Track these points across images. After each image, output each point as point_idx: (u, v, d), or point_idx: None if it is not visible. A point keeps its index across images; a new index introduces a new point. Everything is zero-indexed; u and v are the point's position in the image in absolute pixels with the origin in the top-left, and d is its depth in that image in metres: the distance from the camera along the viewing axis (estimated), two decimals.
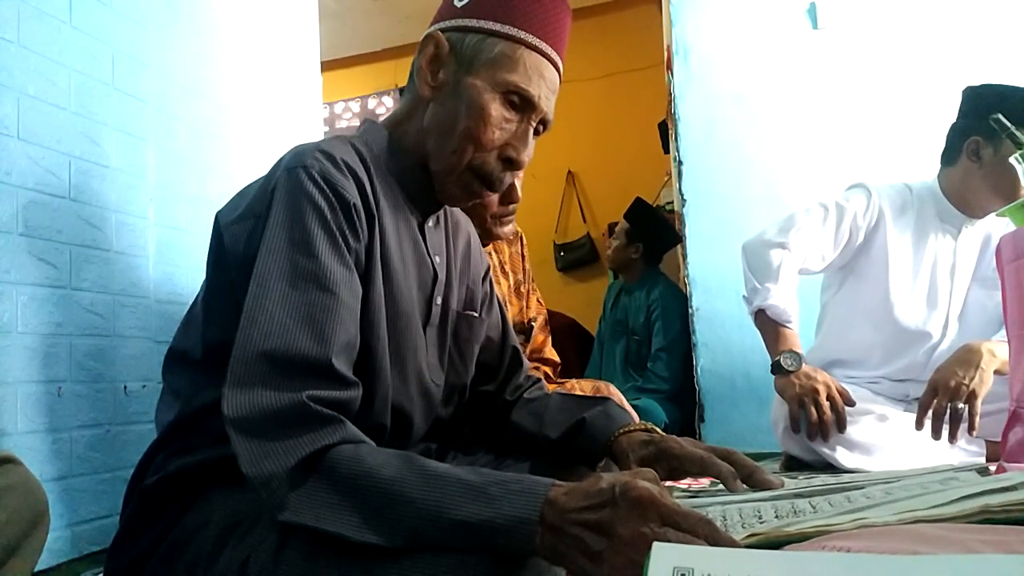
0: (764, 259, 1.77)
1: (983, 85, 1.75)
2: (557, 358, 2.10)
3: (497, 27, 0.89)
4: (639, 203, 3.28)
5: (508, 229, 1.66)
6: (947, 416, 1.54)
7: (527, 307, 2.02)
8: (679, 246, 2.64)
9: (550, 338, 2.11)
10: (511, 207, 1.61)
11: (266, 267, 0.77)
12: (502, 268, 1.93)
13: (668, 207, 3.87)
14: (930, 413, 1.56)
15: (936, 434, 1.55)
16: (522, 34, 0.89)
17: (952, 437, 1.55)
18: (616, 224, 3.44)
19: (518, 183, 1.59)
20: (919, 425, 1.57)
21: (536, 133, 0.94)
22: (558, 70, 0.93)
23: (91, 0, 1.46)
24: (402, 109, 0.97)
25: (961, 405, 1.53)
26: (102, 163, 1.46)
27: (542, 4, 0.90)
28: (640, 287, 3.17)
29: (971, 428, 1.54)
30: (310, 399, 0.70)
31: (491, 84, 0.88)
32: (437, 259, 0.99)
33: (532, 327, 1.98)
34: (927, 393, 1.57)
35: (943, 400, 1.54)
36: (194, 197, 1.72)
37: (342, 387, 0.74)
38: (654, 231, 3.18)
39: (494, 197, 1.55)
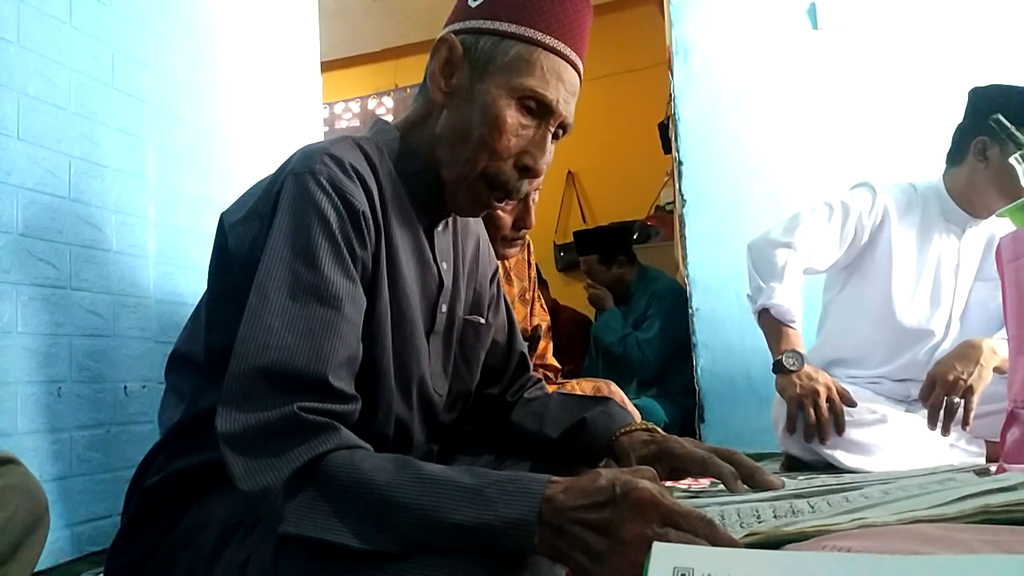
0: (769, 258, 1.77)
1: (989, 85, 1.74)
2: (558, 364, 2.10)
3: (512, 28, 0.85)
4: (579, 239, 3.32)
5: (514, 251, 1.65)
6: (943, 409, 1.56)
7: (531, 314, 2.02)
8: (680, 246, 2.65)
9: (551, 344, 2.12)
10: (522, 232, 1.59)
11: (267, 277, 0.75)
12: (507, 275, 1.93)
13: (668, 207, 3.87)
14: (928, 407, 1.58)
15: (932, 424, 1.58)
16: (539, 35, 0.85)
17: (945, 430, 1.57)
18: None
19: (532, 206, 1.57)
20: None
21: (555, 137, 0.90)
22: (578, 71, 0.89)
23: (91, 0, 1.46)
24: (415, 112, 0.94)
25: (957, 400, 1.55)
26: (102, 163, 1.46)
27: (560, 2, 0.87)
28: (636, 286, 3.19)
29: (964, 423, 1.56)
30: (301, 409, 0.69)
31: (506, 89, 0.85)
32: (444, 265, 0.97)
33: (539, 336, 1.98)
34: (925, 386, 1.60)
35: (940, 394, 1.56)
36: (194, 197, 1.72)
37: (338, 401, 0.73)
38: (610, 240, 3.22)
39: (507, 219, 1.54)
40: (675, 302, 2.99)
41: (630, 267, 3.22)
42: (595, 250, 3.21)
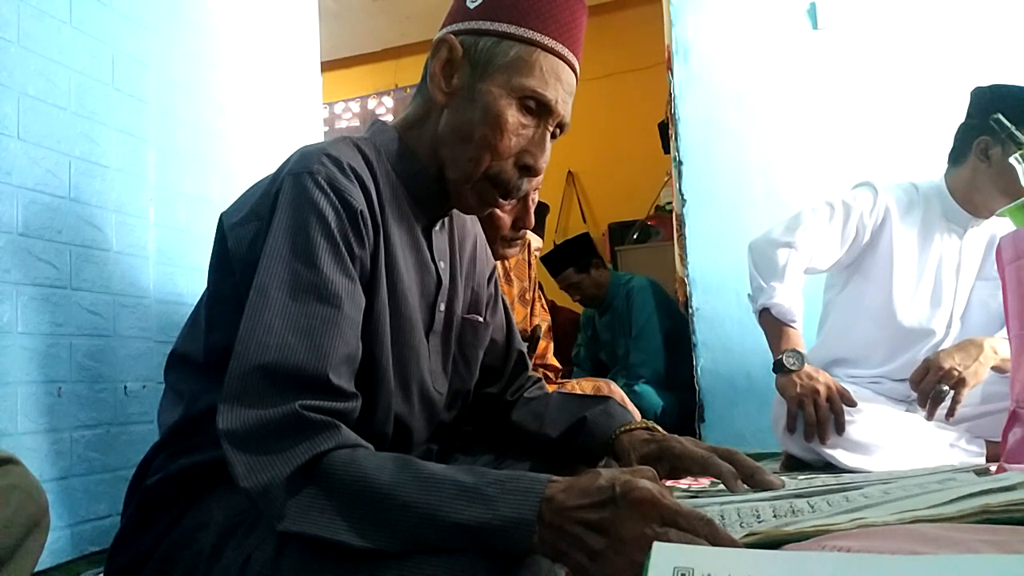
0: (770, 258, 1.78)
1: (992, 85, 1.74)
2: (559, 364, 2.10)
3: (512, 29, 0.86)
4: (549, 261, 3.33)
5: (514, 251, 1.65)
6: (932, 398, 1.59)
7: (532, 314, 2.02)
8: (678, 246, 2.65)
9: (552, 344, 2.12)
10: (522, 232, 1.59)
11: (267, 276, 0.76)
12: (507, 275, 1.93)
13: (668, 207, 3.88)
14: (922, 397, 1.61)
15: (921, 405, 1.61)
16: (538, 36, 0.86)
17: (929, 415, 1.60)
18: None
19: (531, 206, 1.57)
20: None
21: (553, 136, 0.91)
22: (575, 71, 0.91)
23: (91, 0, 1.46)
24: (414, 112, 0.95)
25: (945, 388, 1.57)
26: (102, 163, 1.46)
27: (557, 4, 0.88)
28: (613, 290, 3.28)
29: (949, 413, 1.58)
30: (303, 408, 0.69)
31: (507, 89, 0.86)
32: (441, 264, 0.97)
33: (538, 336, 1.98)
34: (919, 369, 1.62)
35: (932, 380, 1.58)
36: (194, 197, 1.71)
37: (339, 399, 0.74)
38: (575, 248, 3.29)
39: (507, 219, 1.55)
40: (654, 292, 3.14)
41: (605, 270, 3.33)
42: (568, 263, 3.27)
